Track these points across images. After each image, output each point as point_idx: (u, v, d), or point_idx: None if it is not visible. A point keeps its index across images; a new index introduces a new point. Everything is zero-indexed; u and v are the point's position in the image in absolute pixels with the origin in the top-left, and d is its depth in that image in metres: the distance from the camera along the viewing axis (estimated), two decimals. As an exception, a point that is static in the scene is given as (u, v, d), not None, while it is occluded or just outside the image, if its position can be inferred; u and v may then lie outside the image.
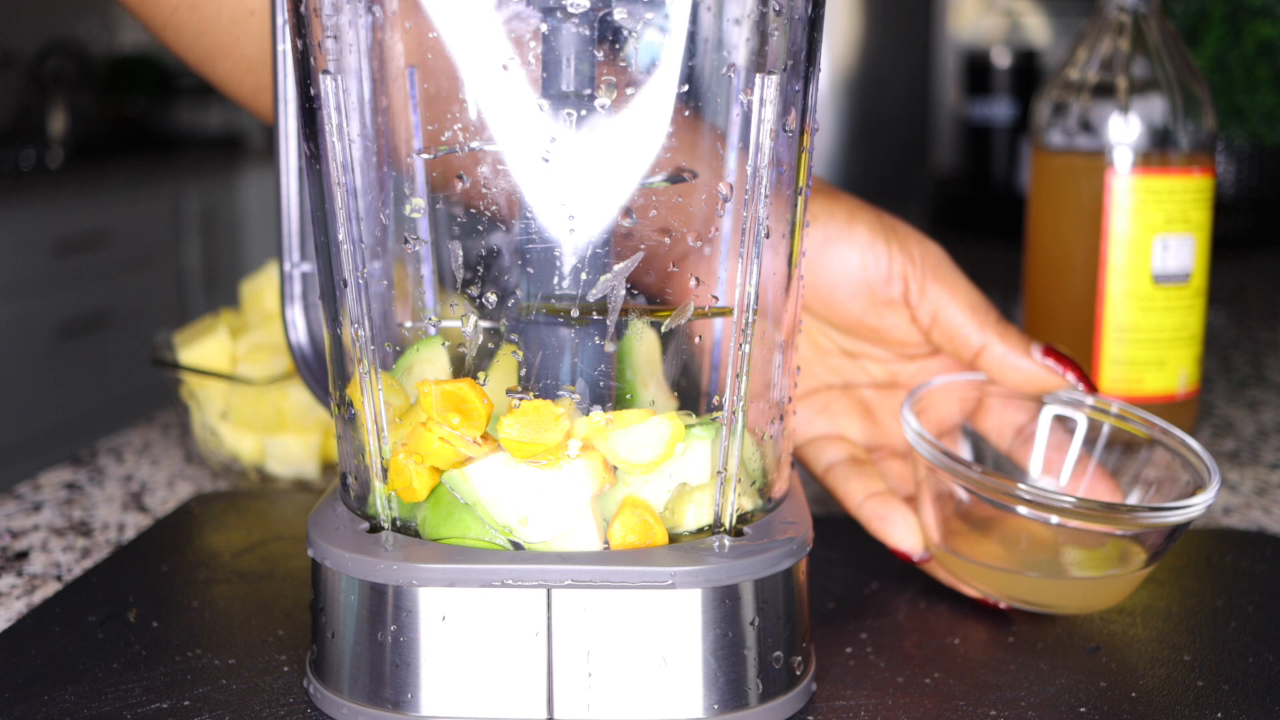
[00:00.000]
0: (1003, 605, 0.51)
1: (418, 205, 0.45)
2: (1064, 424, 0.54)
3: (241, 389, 0.66)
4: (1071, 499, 0.46)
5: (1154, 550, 0.48)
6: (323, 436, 0.67)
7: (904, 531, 0.51)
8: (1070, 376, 0.52)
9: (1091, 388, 0.53)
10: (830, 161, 3.04)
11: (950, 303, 0.53)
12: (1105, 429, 0.54)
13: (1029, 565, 0.49)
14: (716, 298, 0.44)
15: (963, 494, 0.49)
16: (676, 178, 0.42)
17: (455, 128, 0.41)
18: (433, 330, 0.45)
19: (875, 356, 0.57)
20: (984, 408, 0.55)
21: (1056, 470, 0.54)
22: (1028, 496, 0.46)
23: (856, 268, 0.53)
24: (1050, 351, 0.53)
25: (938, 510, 0.50)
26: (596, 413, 0.41)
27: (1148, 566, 0.49)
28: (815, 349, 0.57)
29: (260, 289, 0.73)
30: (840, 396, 0.57)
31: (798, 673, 0.43)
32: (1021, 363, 0.53)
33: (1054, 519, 0.47)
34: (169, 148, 3.51)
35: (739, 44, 0.42)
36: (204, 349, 0.68)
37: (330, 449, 0.67)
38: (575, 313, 0.42)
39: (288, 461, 0.67)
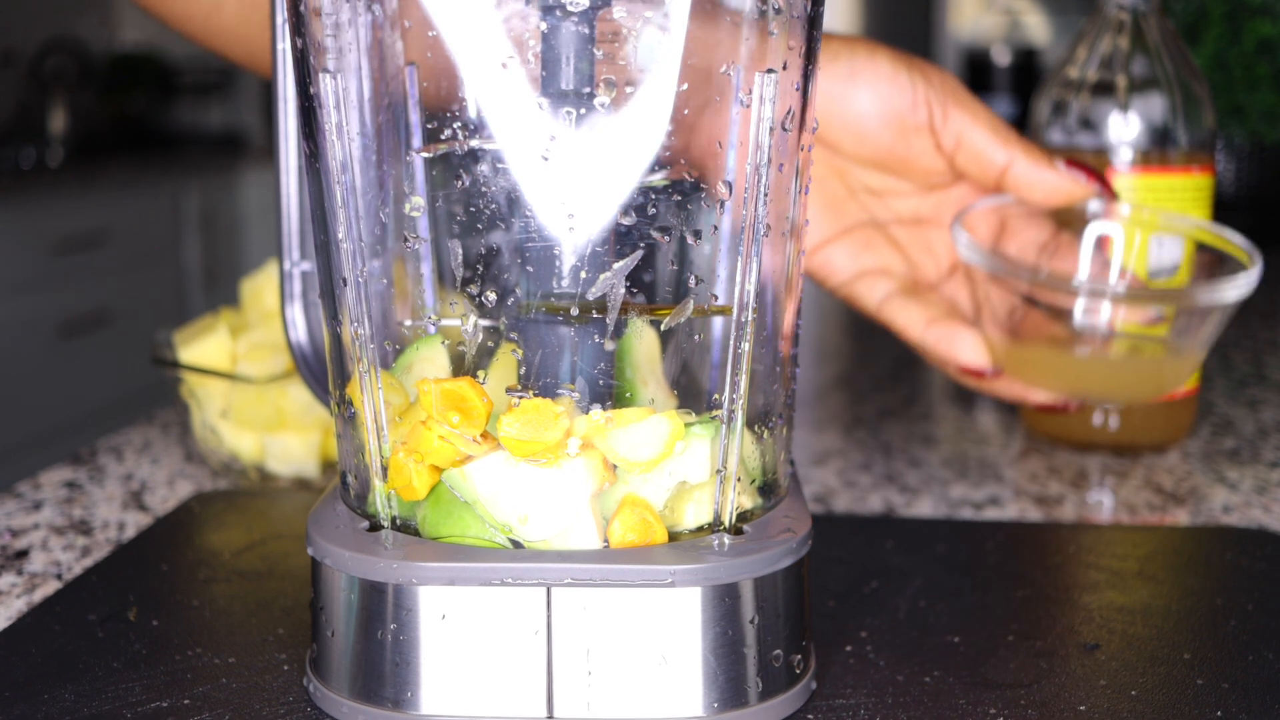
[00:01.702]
0: (1072, 407, 0.52)
1: (417, 204, 0.45)
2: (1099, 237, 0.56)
3: (241, 387, 0.66)
4: (1125, 285, 0.47)
5: (1205, 336, 0.49)
6: (323, 435, 0.67)
7: (971, 349, 0.52)
8: (1094, 185, 0.54)
9: (1113, 195, 0.54)
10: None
11: (972, 125, 0.55)
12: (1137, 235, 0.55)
13: (1093, 356, 0.50)
14: (716, 296, 0.44)
15: (1023, 300, 0.50)
16: (676, 176, 0.42)
17: (455, 126, 0.41)
18: (432, 329, 0.45)
19: (900, 192, 0.58)
20: (1008, 229, 0.56)
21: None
22: (1087, 287, 0.47)
23: (884, 97, 0.55)
24: (1072, 163, 0.54)
25: (999, 324, 0.51)
26: (596, 411, 0.41)
27: (1200, 352, 0.49)
28: (846, 188, 0.59)
29: (260, 287, 0.73)
30: (875, 233, 0.58)
31: (797, 671, 0.43)
32: (1047, 175, 0.54)
33: (1110, 306, 0.48)
34: (169, 146, 3.51)
35: (739, 42, 0.42)
36: (204, 348, 0.68)
37: (330, 447, 0.67)
38: (575, 311, 0.42)
39: (288, 460, 0.67)
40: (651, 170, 0.41)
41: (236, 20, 0.59)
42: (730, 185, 0.43)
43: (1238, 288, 0.47)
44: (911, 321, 0.54)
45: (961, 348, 0.52)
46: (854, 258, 0.57)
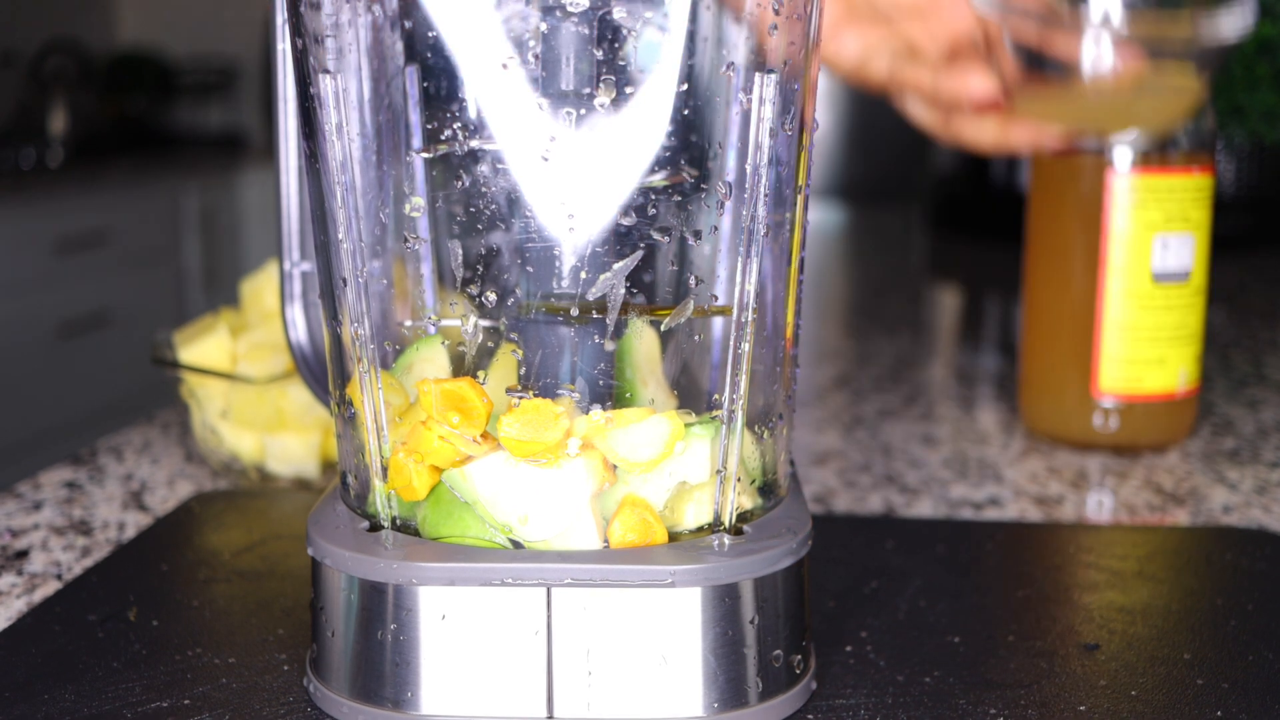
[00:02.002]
0: (1079, 144, 0.53)
1: (417, 204, 0.45)
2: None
3: (241, 388, 0.66)
4: (1128, 19, 0.50)
5: (1200, 67, 0.51)
6: (323, 435, 0.67)
7: (981, 80, 0.55)
8: None
9: None
10: (830, 161, 3.04)
11: None
12: None
13: (1097, 92, 0.52)
14: (716, 296, 0.44)
15: (1034, 41, 0.52)
16: (676, 177, 0.42)
17: (455, 126, 0.41)
18: (432, 329, 0.45)
19: None
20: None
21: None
22: (1095, 20, 0.49)
23: None
24: None
25: (1010, 73, 0.53)
26: (596, 411, 0.41)
27: (1197, 80, 0.51)
28: None
29: (260, 288, 0.73)
30: (880, 20, 0.61)
31: (797, 671, 0.43)
32: None
33: (1112, 41, 0.50)
34: (169, 146, 3.51)
35: (738, 43, 0.42)
36: (204, 348, 0.68)
37: (330, 448, 0.67)
38: (575, 311, 0.42)
39: (288, 460, 0.67)
40: (651, 170, 0.41)
41: None
42: (730, 185, 0.43)
43: (1235, 21, 0.49)
44: (921, 76, 0.57)
45: (972, 80, 0.55)
46: (861, 38, 0.60)
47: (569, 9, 0.40)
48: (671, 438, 0.41)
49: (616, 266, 0.41)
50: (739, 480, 0.42)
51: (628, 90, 0.40)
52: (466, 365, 0.43)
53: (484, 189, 0.41)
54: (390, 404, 0.43)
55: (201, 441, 0.69)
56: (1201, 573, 0.56)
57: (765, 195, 0.41)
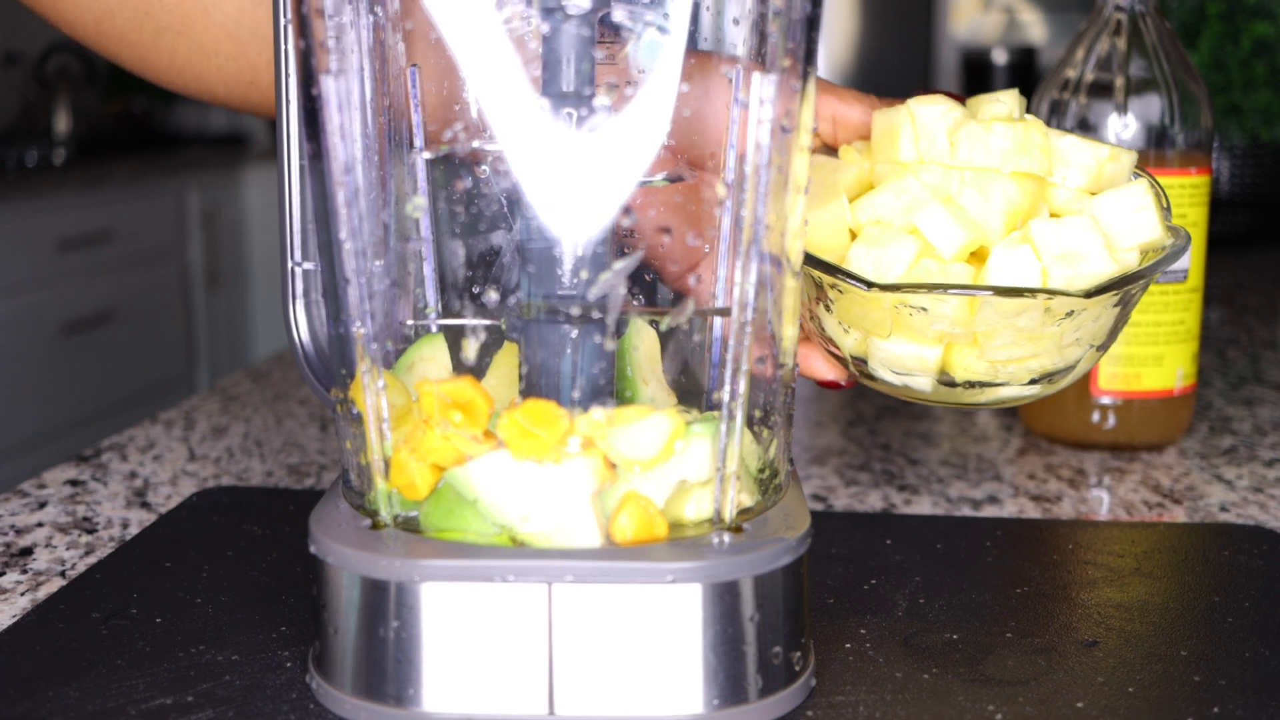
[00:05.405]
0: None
1: (419, 204, 0.45)
2: None
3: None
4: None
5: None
6: (945, 348, 0.52)
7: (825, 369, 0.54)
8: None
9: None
10: (832, 159, 3.04)
11: (841, 104, 0.55)
12: None
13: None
14: (715, 296, 0.45)
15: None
16: (675, 177, 0.42)
17: (456, 127, 0.42)
18: (434, 328, 0.46)
19: None
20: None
21: None
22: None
23: None
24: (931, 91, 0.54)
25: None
26: (597, 410, 0.42)
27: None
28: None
29: (895, 126, 0.52)
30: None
31: (797, 668, 0.43)
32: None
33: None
34: (173, 146, 3.51)
35: (738, 44, 0.42)
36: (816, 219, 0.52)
37: (950, 361, 0.53)
38: (576, 311, 0.42)
39: (896, 366, 0.53)
40: (652, 170, 0.41)
41: (129, 27, 0.59)
42: (730, 185, 0.43)
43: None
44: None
45: (818, 368, 0.54)
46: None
47: (570, 11, 0.41)
48: (672, 436, 0.42)
49: (616, 266, 0.42)
50: (739, 478, 0.43)
51: (628, 91, 0.41)
52: (468, 364, 0.43)
53: (485, 189, 0.42)
54: (392, 403, 0.43)
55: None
56: (1199, 570, 0.56)
57: (765, 195, 0.41)
